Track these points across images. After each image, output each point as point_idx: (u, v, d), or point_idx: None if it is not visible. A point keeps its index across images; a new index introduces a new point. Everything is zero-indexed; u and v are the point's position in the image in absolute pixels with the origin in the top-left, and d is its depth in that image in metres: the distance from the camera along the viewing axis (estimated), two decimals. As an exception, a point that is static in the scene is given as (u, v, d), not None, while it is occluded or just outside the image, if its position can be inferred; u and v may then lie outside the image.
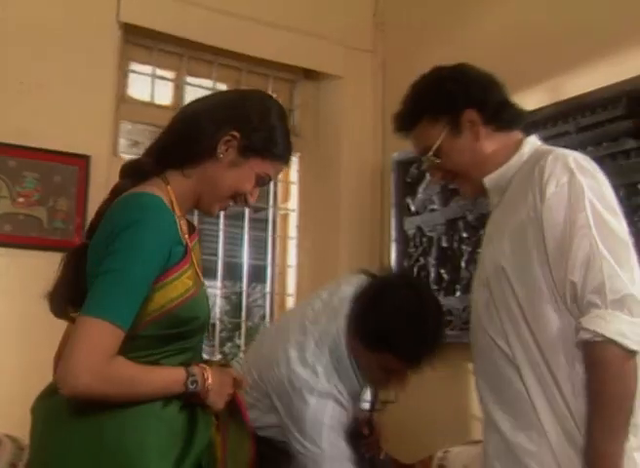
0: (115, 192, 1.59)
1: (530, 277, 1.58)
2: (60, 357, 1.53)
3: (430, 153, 1.75)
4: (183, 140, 1.58)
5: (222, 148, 1.57)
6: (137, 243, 1.43)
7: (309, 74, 3.81)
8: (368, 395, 2.26)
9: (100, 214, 1.58)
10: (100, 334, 1.38)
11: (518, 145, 1.72)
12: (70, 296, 1.54)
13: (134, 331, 1.43)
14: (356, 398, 2.09)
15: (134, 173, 1.60)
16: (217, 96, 1.83)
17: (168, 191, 1.55)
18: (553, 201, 1.55)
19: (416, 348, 1.94)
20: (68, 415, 1.44)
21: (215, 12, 3.31)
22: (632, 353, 1.47)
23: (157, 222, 1.47)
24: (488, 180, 1.73)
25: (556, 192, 1.55)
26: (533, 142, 1.73)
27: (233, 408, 1.61)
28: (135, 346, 1.45)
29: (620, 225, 1.55)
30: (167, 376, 1.48)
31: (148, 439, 1.44)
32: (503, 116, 1.74)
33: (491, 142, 1.72)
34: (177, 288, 1.48)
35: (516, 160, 1.70)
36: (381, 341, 1.94)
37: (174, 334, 1.50)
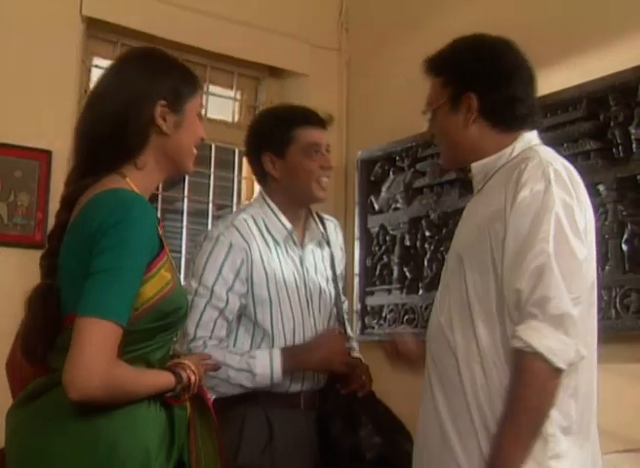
0: (69, 200, 1.56)
1: (482, 271, 1.59)
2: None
3: (427, 110, 1.75)
4: (117, 137, 1.54)
5: (161, 121, 1.56)
6: (127, 239, 1.42)
7: (274, 72, 3.81)
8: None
9: (62, 224, 1.55)
10: (105, 335, 1.37)
11: (513, 141, 1.69)
12: (47, 341, 1.50)
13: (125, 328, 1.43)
14: (287, 241, 2.17)
15: (82, 180, 1.56)
16: (111, 82, 1.63)
17: (129, 184, 1.54)
18: (523, 206, 1.54)
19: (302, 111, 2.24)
20: (58, 417, 1.42)
21: (179, 8, 3.29)
22: (557, 370, 1.48)
23: (143, 217, 1.46)
24: (474, 166, 1.71)
25: (528, 198, 1.54)
26: (528, 139, 1.70)
27: (197, 397, 1.62)
28: (123, 342, 1.43)
29: (581, 246, 1.54)
30: (161, 379, 1.49)
31: (143, 436, 1.44)
32: (504, 115, 1.69)
33: (481, 135, 1.69)
34: (159, 281, 1.48)
35: (506, 153, 1.68)
36: (288, 130, 2.15)
37: (160, 326, 1.51)
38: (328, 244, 2.29)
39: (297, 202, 2.20)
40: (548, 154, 1.65)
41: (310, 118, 2.21)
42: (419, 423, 1.70)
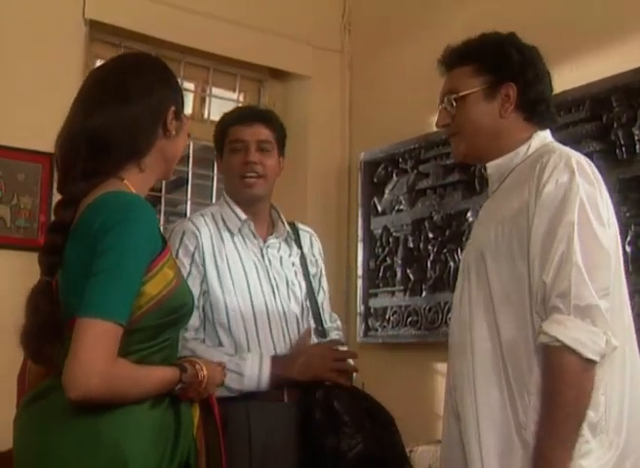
0: (72, 199, 1.57)
1: (507, 268, 1.58)
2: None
3: (453, 95, 1.73)
4: (130, 139, 1.56)
5: (172, 126, 1.61)
6: (126, 240, 1.43)
7: (277, 74, 3.80)
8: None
9: (63, 222, 1.56)
10: (107, 336, 1.38)
11: (530, 138, 1.70)
12: (49, 338, 1.51)
13: (128, 327, 1.43)
14: (243, 230, 2.21)
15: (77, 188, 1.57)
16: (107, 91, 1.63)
17: (127, 186, 1.55)
18: (548, 198, 1.54)
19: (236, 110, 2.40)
20: (62, 417, 1.43)
21: (182, 10, 3.29)
22: (589, 362, 1.47)
23: (143, 218, 1.48)
24: (490, 166, 1.72)
25: (553, 190, 1.54)
26: (543, 137, 1.72)
27: (206, 404, 1.63)
28: (128, 341, 1.44)
29: (605, 235, 1.54)
30: (163, 376, 1.50)
31: (146, 436, 1.45)
32: (538, 109, 1.71)
33: (511, 127, 1.70)
34: (162, 279, 1.49)
35: (522, 151, 1.69)
36: (222, 130, 2.26)
37: (166, 323, 1.51)
38: (298, 246, 2.30)
39: (236, 199, 2.23)
40: (566, 149, 1.66)
41: (238, 116, 2.27)
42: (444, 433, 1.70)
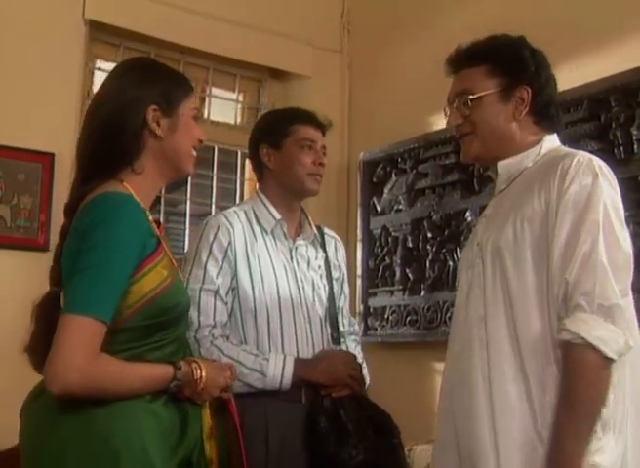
0: (71, 208, 1.59)
1: (525, 267, 1.59)
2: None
3: (469, 96, 1.72)
4: (113, 143, 1.58)
5: (154, 126, 1.60)
6: (110, 237, 1.44)
7: (277, 74, 3.81)
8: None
9: (64, 232, 1.58)
10: (86, 331, 1.39)
11: (539, 142, 1.73)
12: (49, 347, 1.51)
13: (116, 325, 1.44)
14: (276, 230, 2.21)
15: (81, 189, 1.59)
16: (105, 92, 1.67)
17: (126, 188, 1.56)
18: (573, 199, 1.56)
19: (303, 111, 2.32)
20: (58, 412, 1.44)
21: (182, 10, 3.30)
22: (609, 361, 1.48)
23: (129, 216, 1.49)
24: (501, 166, 1.73)
25: (578, 191, 1.56)
26: (553, 140, 1.74)
27: (223, 408, 1.64)
28: (118, 340, 1.46)
29: (627, 239, 1.57)
30: (152, 373, 1.50)
31: (139, 427, 1.45)
32: (549, 112, 1.73)
33: (523, 129, 1.72)
34: (154, 278, 1.50)
35: (533, 153, 1.71)
36: (286, 124, 2.23)
37: (157, 324, 1.52)
38: (323, 249, 2.32)
39: (289, 194, 2.24)
40: (583, 152, 1.68)
41: (309, 117, 2.28)
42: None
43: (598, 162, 1.63)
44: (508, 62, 1.72)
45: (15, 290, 2.65)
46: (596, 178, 1.58)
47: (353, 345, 2.34)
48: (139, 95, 1.60)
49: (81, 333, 1.39)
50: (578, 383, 1.49)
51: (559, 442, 1.50)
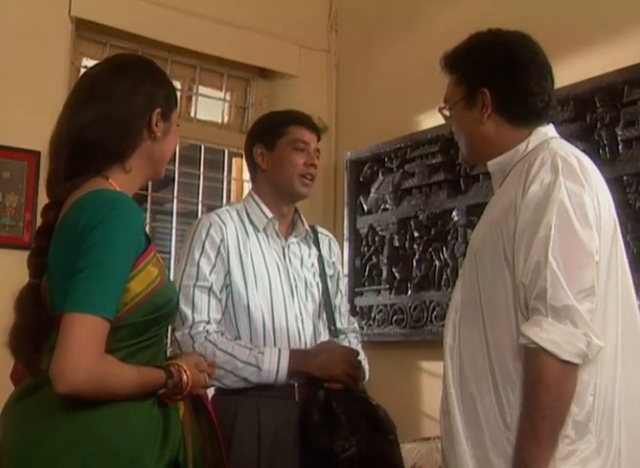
0: (57, 200, 1.58)
1: (494, 268, 1.58)
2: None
3: (444, 107, 1.77)
4: (112, 139, 1.56)
5: (155, 128, 1.60)
6: (112, 236, 1.44)
7: (264, 73, 3.81)
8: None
9: (49, 223, 1.57)
10: (92, 330, 1.38)
11: (529, 135, 1.68)
12: (33, 339, 1.52)
13: (113, 323, 1.44)
14: (268, 229, 2.23)
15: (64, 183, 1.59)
16: (98, 96, 1.61)
17: (112, 185, 1.55)
18: (530, 200, 1.53)
19: (300, 113, 2.32)
20: (47, 415, 1.43)
21: (169, 9, 3.29)
22: (567, 364, 1.46)
23: (128, 215, 1.48)
24: (491, 165, 1.72)
25: (537, 190, 1.54)
26: (543, 133, 1.68)
27: (194, 400, 1.64)
28: (114, 338, 1.45)
29: (590, 237, 1.52)
30: (151, 377, 1.50)
31: (137, 429, 1.46)
32: (518, 109, 1.68)
33: (497, 131, 1.69)
34: (146, 276, 1.50)
35: (522, 148, 1.67)
36: (281, 125, 2.25)
37: (152, 320, 1.52)
38: (317, 247, 2.32)
39: (281, 194, 2.25)
40: (561, 146, 1.64)
41: (305, 119, 2.29)
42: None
43: (566, 156, 1.57)
44: (464, 69, 1.73)
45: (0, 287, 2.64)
46: (556, 175, 1.53)
47: (355, 341, 2.35)
48: (150, 97, 1.60)
49: (90, 332, 1.38)
50: (535, 387, 1.47)
51: (519, 447, 1.48)
